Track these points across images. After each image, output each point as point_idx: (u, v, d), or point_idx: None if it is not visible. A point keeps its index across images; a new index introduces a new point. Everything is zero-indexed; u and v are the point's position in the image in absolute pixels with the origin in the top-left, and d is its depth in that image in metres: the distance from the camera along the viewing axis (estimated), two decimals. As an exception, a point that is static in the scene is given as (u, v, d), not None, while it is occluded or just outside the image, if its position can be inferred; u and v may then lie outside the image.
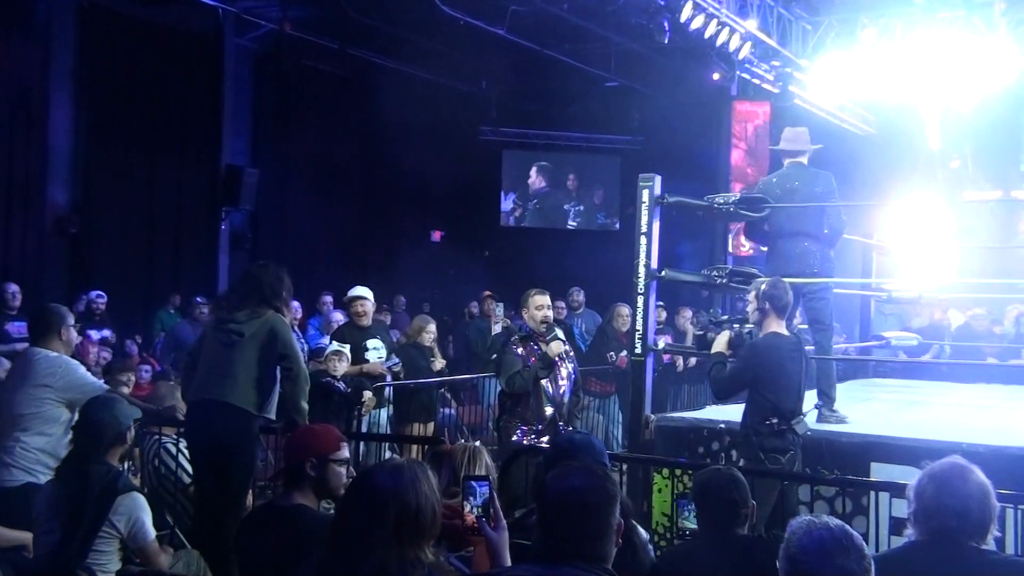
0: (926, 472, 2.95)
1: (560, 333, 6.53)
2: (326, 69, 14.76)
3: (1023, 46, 11.24)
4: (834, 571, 2.17)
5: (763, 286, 5.39)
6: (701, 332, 6.33)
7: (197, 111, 13.15)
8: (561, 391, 6.35)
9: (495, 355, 6.50)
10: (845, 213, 6.93)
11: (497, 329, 11.25)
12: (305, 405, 5.22)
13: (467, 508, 2.61)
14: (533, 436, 6.19)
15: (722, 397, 5.83)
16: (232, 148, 13.18)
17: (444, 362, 9.64)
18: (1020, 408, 7.85)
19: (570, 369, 6.45)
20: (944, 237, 14.35)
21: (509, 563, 2.65)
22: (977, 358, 10.21)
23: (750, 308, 5.49)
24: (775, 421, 5.20)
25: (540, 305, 6.41)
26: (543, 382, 6.26)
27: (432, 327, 9.26)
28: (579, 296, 11.94)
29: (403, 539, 2.42)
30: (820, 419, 6.23)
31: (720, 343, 5.59)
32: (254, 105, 13.78)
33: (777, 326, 5.37)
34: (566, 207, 18.62)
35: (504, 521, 2.69)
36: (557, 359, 6.29)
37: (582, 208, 18.59)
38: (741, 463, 5.31)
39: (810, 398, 6.46)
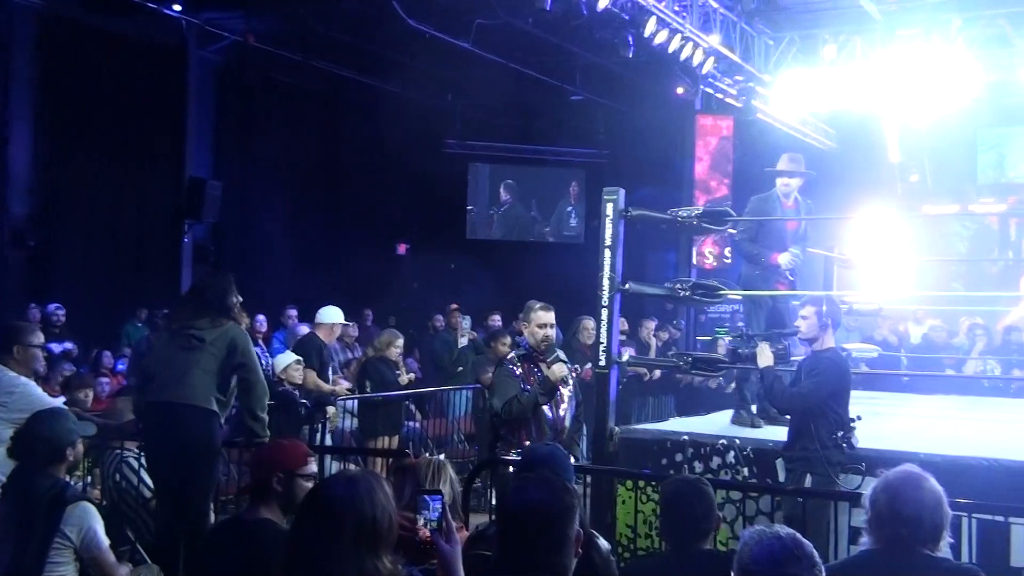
0: (881, 481, 2.99)
1: (562, 354, 6.00)
2: (291, 81, 14.72)
3: (979, 63, 11.45)
4: (787, 580, 2.20)
5: (824, 304, 5.56)
6: (732, 347, 6.10)
7: (160, 123, 13.06)
8: (562, 416, 5.84)
9: (491, 374, 6.13)
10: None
11: (463, 342, 11.25)
12: (264, 416, 5.22)
13: (420, 522, 2.62)
14: None
15: (793, 411, 5.49)
16: (195, 160, 13.10)
17: (411, 376, 9.65)
18: (975, 419, 7.99)
19: (571, 391, 5.93)
20: (903, 250, 14.60)
21: (462, 575, 2.66)
22: (936, 369, 10.36)
23: (808, 323, 5.50)
24: (840, 435, 5.31)
25: (543, 322, 5.85)
26: (543, 407, 5.72)
27: (400, 342, 9.27)
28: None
29: (360, 549, 2.42)
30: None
31: (767, 357, 5.56)
32: (218, 117, 13.70)
33: (832, 341, 5.55)
34: (532, 219, 18.65)
35: (457, 535, 2.70)
36: (559, 383, 5.76)
37: (548, 221, 18.64)
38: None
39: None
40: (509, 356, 6.02)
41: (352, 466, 7.17)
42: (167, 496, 5.13)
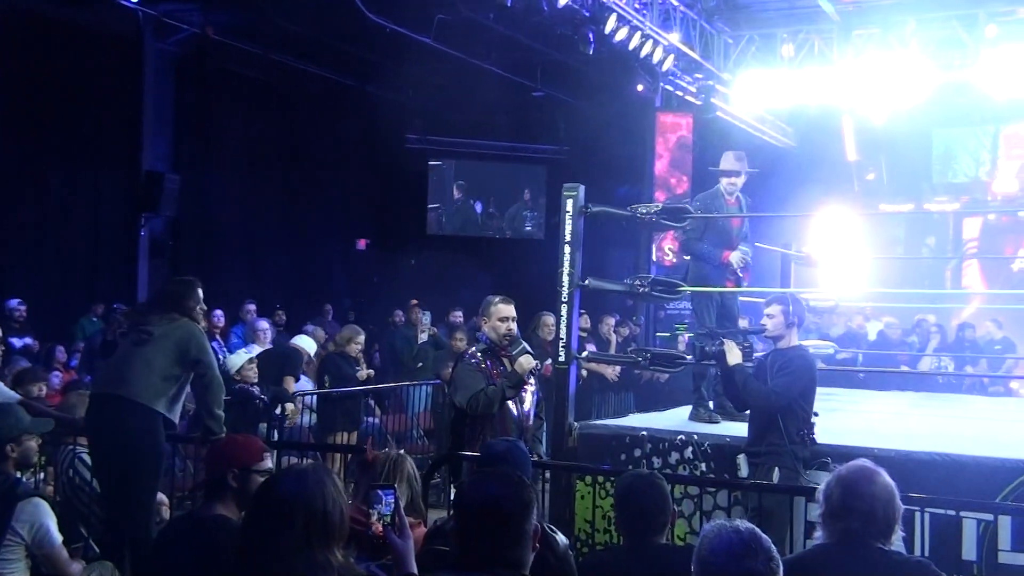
0: (834, 475, 3.03)
1: (527, 345, 5.79)
2: (250, 75, 14.58)
3: (934, 64, 11.62)
4: (741, 572, 2.22)
5: (790, 303, 5.59)
6: (699, 345, 6.01)
7: (116, 116, 12.87)
8: (527, 411, 5.71)
9: (455, 370, 5.71)
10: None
11: (423, 338, 11.23)
12: (220, 412, 5.19)
13: (373, 516, 2.61)
14: None
15: (767, 408, 5.42)
16: (152, 153, 12.92)
17: (371, 372, 9.64)
18: (929, 414, 8.12)
19: (535, 386, 5.79)
20: (859, 248, 14.80)
21: (414, 570, 2.66)
22: (891, 366, 10.51)
23: (775, 321, 5.54)
24: (805, 431, 5.38)
25: (504, 315, 5.68)
26: (508, 403, 5.54)
27: (361, 338, 9.28)
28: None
29: (312, 542, 2.43)
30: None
31: (736, 354, 5.55)
32: (176, 110, 13.53)
33: (796, 339, 5.63)
34: (490, 215, 18.63)
35: (409, 530, 2.70)
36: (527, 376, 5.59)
37: (508, 217, 18.64)
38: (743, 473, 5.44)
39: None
40: (469, 351, 5.80)
41: (308, 460, 7.11)
42: (107, 491, 5.09)
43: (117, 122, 12.89)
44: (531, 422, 5.76)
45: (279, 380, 8.60)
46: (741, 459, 5.57)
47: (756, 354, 6.48)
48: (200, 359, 5.14)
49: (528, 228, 18.49)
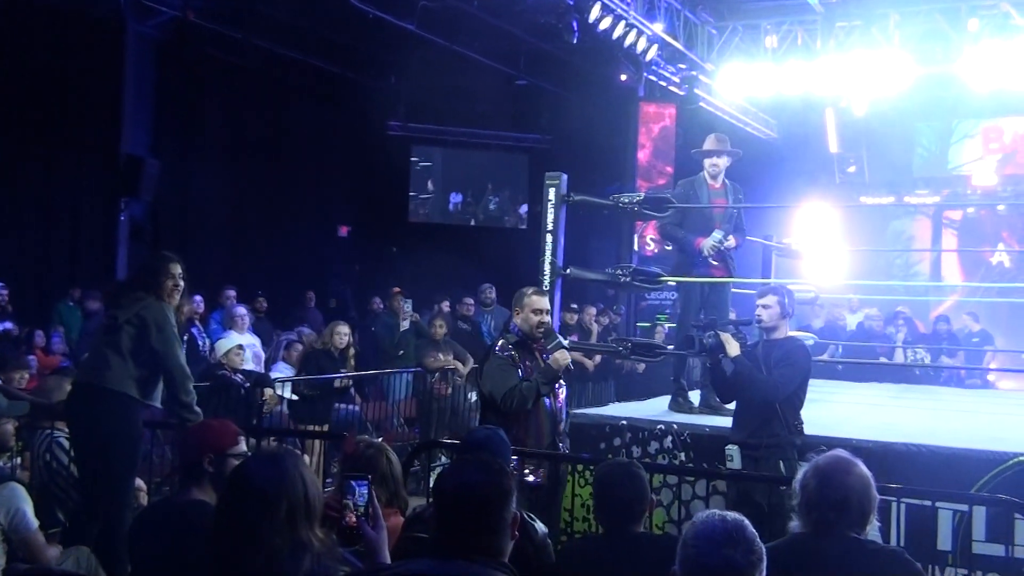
0: (811, 465, 3.05)
1: (563, 339, 5.67)
2: (231, 59, 14.47)
3: (916, 57, 11.68)
4: (719, 560, 2.23)
5: (785, 294, 5.58)
6: (697, 336, 5.93)
7: (96, 99, 12.75)
8: (560, 406, 5.58)
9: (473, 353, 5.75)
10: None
11: (405, 326, 11.20)
12: (186, 398, 5.15)
13: (348, 508, 2.62)
14: (533, 467, 5.32)
15: (776, 399, 5.35)
16: (132, 137, 12.80)
17: (349, 382, 9.35)
18: (907, 406, 8.18)
19: (562, 379, 5.62)
20: (840, 240, 14.88)
21: (387, 560, 2.67)
22: (871, 358, 10.57)
23: (770, 312, 5.50)
24: (799, 422, 5.40)
25: (539, 307, 5.49)
26: (543, 397, 5.37)
27: (343, 328, 9.21)
28: (491, 293, 11.98)
29: (295, 525, 2.45)
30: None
31: (735, 346, 5.48)
32: (156, 94, 13.41)
33: (788, 330, 5.62)
34: (466, 204, 18.59)
35: (383, 521, 2.71)
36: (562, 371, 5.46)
37: (491, 205, 18.61)
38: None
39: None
40: (499, 344, 5.52)
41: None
42: (86, 477, 5.08)
43: (97, 106, 12.77)
44: (564, 416, 5.66)
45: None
46: (734, 451, 5.45)
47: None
48: (156, 348, 5.07)
49: (508, 218, 18.47)
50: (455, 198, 18.46)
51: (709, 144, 7.06)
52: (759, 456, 5.33)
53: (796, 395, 5.42)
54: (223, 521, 2.51)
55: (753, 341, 5.68)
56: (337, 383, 8.88)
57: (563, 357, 5.37)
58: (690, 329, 6.76)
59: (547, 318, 5.55)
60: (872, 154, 16.65)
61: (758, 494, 5.08)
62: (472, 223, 18.46)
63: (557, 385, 5.51)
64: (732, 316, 6.85)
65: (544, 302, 5.55)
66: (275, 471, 2.49)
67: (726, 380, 5.58)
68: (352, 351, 9.33)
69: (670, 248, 7.37)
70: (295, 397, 8.61)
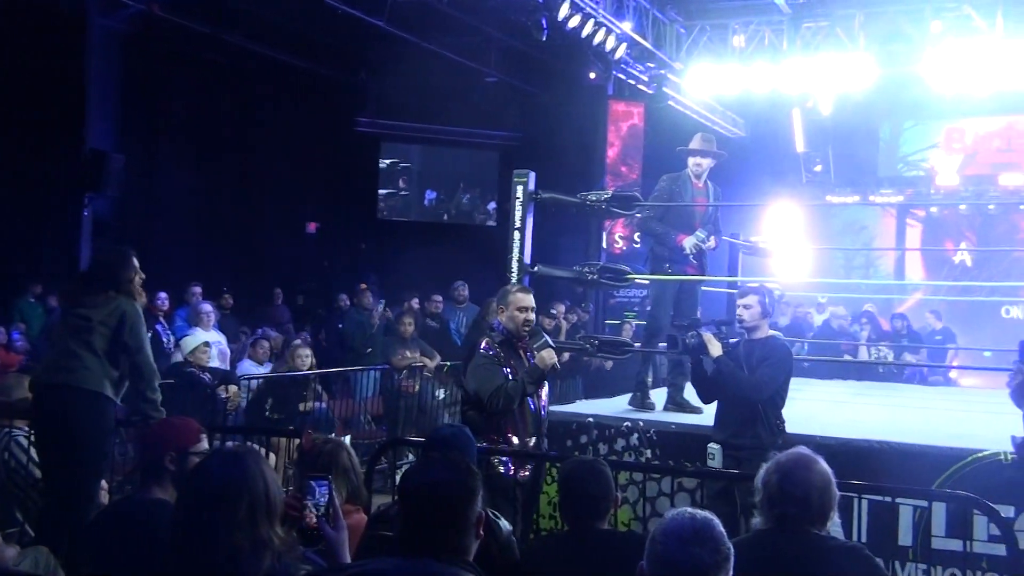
0: (773, 462, 3.08)
1: (549, 338, 5.61)
2: (198, 54, 14.35)
3: (880, 58, 11.81)
4: (686, 558, 2.25)
5: (766, 294, 5.59)
6: (678, 336, 5.75)
7: (59, 93, 12.60)
8: (543, 405, 5.54)
9: (474, 361, 5.35)
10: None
11: (376, 323, 11.18)
12: (152, 395, 5.12)
13: (307, 508, 2.62)
14: (520, 465, 5.23)
15: (759, 398, 5.36)
16: (97, 132, 12.65)
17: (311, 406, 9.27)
18: (869, 403, 8.27)
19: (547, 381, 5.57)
20: (806, 238, 15.01)
21: (348, 560, 2.67)
22: (836, 355, 10.68)
23: (752, 312, 5.51)
24: (781, 421, 5.43)
25: (523, 306, 5.39)
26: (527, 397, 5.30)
27: (306, 352, 9.15)
28: (464, 291, 11.97)
29: (256, 523, 2.44)
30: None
31: (717, 346, 5.48)
32: (122, 88, 13.27)
33: (767, 330, 5.62)
34: (439, 201, 18.57)
35: (343, 521, 2.70)
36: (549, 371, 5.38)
37: (460, 202, 18.59)
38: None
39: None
40: (484, 343, 5.39)
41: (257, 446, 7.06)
42: (54, 479, 5.01)
43: (61, 100, 12.62)
44: (545, 415, 5.61)
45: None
46: (716, 450, 5.46)
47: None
48: (128, 344, 5.04)
49: (478, 215, 18.46)
50: (430, 195, 18.44)
51: (696, 143, 7.08)
52: (741, 458, 5.33)
53: (778, 394, 5.45)
54: (182, 519, 2.49)
55: (735, 341, 5.68)
56: (302, 406, 8.80)
57: (550, 356, 5.32)
58: (665, 328, 6.81)
59: (532, 316, 5.47)
60: (838, 153, 16.82)
61: (737, 493, 5.12)
62: (445, 218, 18.44)
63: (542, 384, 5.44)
64: (698, 314, 6.90)
65: (530, 299, 5.46)
66: (236, 468, 2.48)
67: (707, 380, 5.59)
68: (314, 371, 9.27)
69: (638, 246, 7.39)
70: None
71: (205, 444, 3.52)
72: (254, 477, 2.48)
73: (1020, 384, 3.08)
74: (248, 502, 2.44)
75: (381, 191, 18.13)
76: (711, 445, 5.49)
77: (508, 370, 5.28)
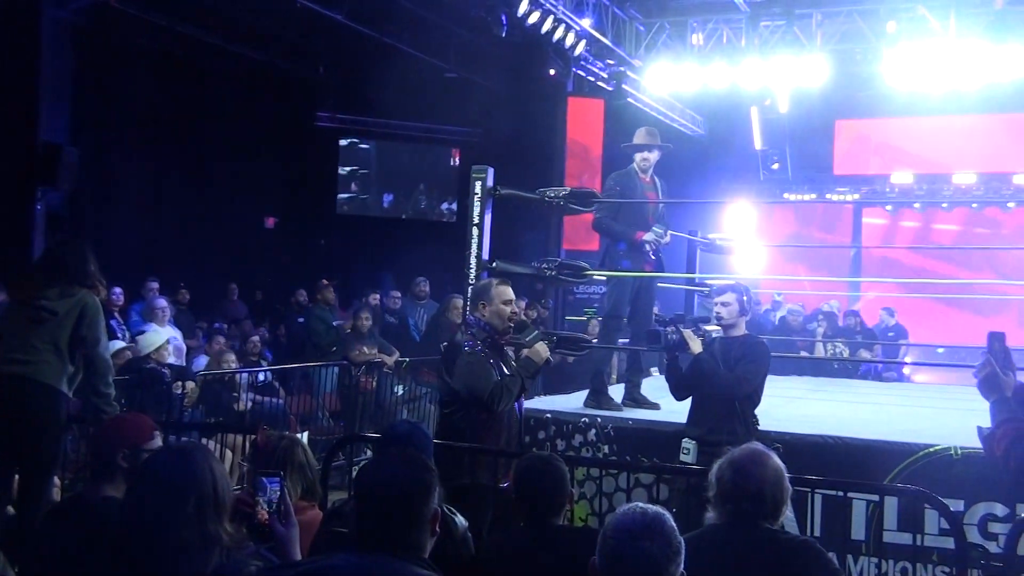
0: (727, 458, 3.11)
1: (540, 330, 5.45)
2: (154, 46, 14.18)
3: (836, 57, 11.95)
4: (636, 552, 2.26)
5: (744, 292, 5.59)
6: (659, 331, 5.61)
7: (10, 85, 12.37)
8: (523, 403, 5.42)
9: (458, 356, 5.15)
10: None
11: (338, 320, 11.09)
12: (106, 390, 5.06)
13: (259, 505, 2.60)
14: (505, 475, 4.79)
15: (739, 395, 5.36)
16: (50, 125, 12.45)
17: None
18: (824, 398, 8.38)
19: None
20: (763, 235, 15.15)
21: (298, 558, 2.66)
22: (792, 352, 10.79)
23: (730, 310, 5.50)
24: (755, 418, 5.45)
25: (508, 298, 5.24)
26: None
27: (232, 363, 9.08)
28: (425, 287, 11.93)
29: (204, 518, 2.42)
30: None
31: (697, 343, 5.46)
32: (76, 81, 13.07)
33: (744, 328, 5.62)
34: (401, 197, 18.51)
35: (295, 518, 2.69)
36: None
37: (419, 198, 18.54)
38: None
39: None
40: (468, 340, 5.22)
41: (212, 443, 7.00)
42: (5, 475, 4.93)
43: (12, 92, 12.40)
44: (522, 414, 5.50)
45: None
46: (691, 445, 5.43)
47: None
48: (86, 336, 4.98)
49: (438, 210, 18.42)
50: (388, 198, 18.37)
51: (641, 138, 7.05)
52: (719, 455, 5.32)
53: (756, 392, 5.48)
54: (130, 515, 2.47)
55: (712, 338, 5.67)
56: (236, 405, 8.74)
57: (544, 349, 5.25)
58: (623, 325, 6.83)
59: (517, 308, 5.31)
60: (795, 152, 16.99)
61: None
62: (403, 216, 18.37)
63: None
64: (655, 311, 6.94)
65: (511, 291, 5.32)
66: (183, 463, 2.47)
67: (682, 377, 5.60)
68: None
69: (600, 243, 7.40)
70: None
71: (159, 441, 3.48)
72: (202, 472, 2.46)
73: (988, 376, 3.12)
74: (196, 497, 2.42)
75: (350, 195, 18.03)
76: (685, 440, 5.49)
77: (498, 366, 5.13)
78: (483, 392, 5.00)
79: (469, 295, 5.62)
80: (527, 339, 5.30)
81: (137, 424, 3.50)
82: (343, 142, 17.91)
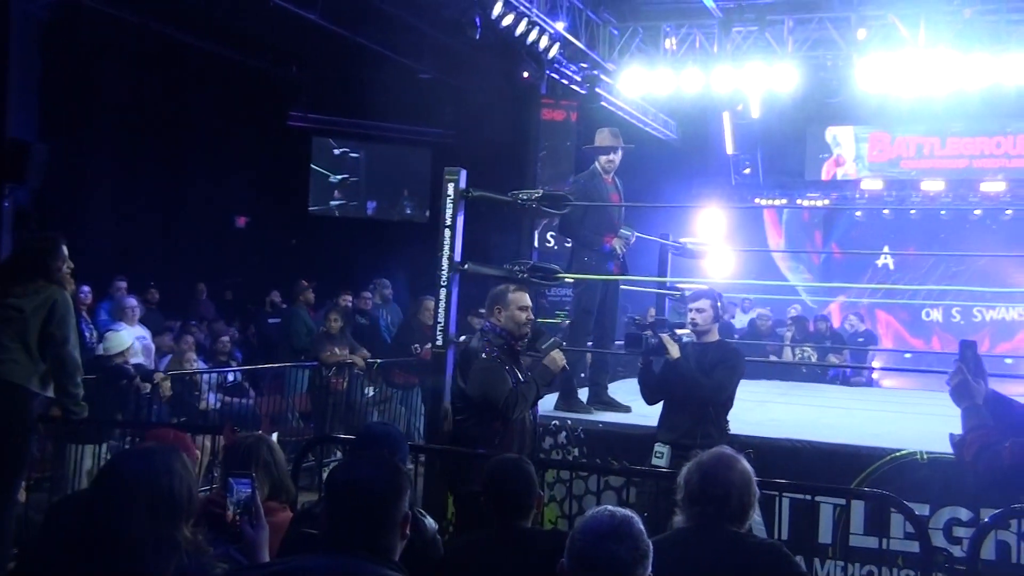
0: (695, 462, 3.13)
1: (557, 337, 5.50)
2: (125, 43, 14.05)
3: (808, 63, 12.05)
4: (603, 554, 2.28)
5: (718, 298, 5.64)
6: (637, 333, 5.65)
7: (-22, 81, 12.23)
8: (536, 409, 5.43)
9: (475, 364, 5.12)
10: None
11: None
12: (75, 390, 5.00)
13: (229, 506, 2.59)
14: None
15: (714, 400, 5.40)
16: (17, 121, 12.32)
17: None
18: (793, 402, 8.44)
19: None
20: (732, 240, 15.24)
21: (267, 559, 2.65)
22: (760, 356, 10.86)
23: (704, 316, 5.53)
24: (728, 423, 5.48)
25: (525, 304, 5.21)
26: None
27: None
28: (386, 290, 11.89)
29: (158, 519, 2.41)
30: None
31: (675, 348, 5.48)
32: (45, 77, 12.93)
33: (716, 334, 5.65)
34: (374, 198, 18.44)
35: (264, 519, 2.68)
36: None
37: (393, 199, 18.48)
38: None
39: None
40: (484, 346, 5.18)
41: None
42: None
43: (-21, 88, 12.25)
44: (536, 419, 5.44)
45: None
46: (664, 449, 5.45)
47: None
48: (54, 334, 4.92)
49: (412, 211, 18.38)
50: (371, 205, 18.31)
51: (605, 139, 7.06)
52: (692, 459, 5.33)
53: (730, 397, 5.52)
54: (90, 512, 2.46)
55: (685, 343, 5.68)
56: (202, 406, 8.67)
57: (560, 357, 5.24)
58: (591, 328, 6.84)
59: (532, 315, 5.30)
60: (766, 157, 17.12)
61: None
62: (375, 217, 18.30)
63: None
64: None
65: (528, 298, 5.28)
66: (142, 464, 2.46)
67: (655, 381, 5.62)
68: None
69: (569, 245, 7.40)
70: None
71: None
72: (158, 474, 2.44)
73: (960, 383, 3.16)
74: (148, 499, 2.41)
75: (334, 203, 17.95)
76: (658, 445, 5.49)
77: (513, 373, 5.09)
78: (498, 399, 5.00)
79: (486, 301, 5.58)
80: (543, 347, 5.28)
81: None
82: (336, 151, 17.83)
